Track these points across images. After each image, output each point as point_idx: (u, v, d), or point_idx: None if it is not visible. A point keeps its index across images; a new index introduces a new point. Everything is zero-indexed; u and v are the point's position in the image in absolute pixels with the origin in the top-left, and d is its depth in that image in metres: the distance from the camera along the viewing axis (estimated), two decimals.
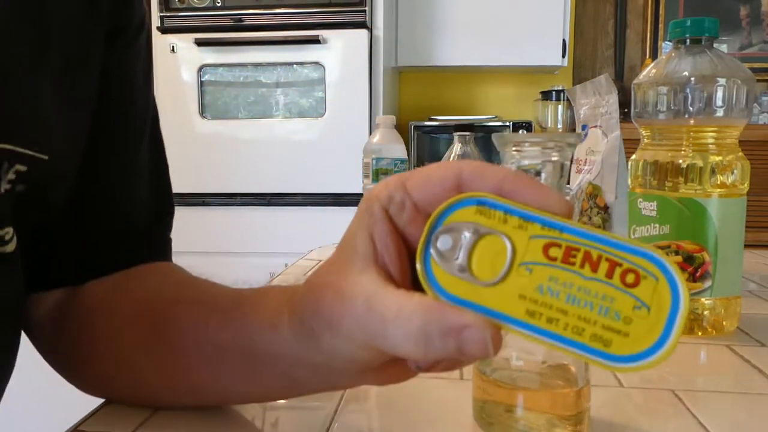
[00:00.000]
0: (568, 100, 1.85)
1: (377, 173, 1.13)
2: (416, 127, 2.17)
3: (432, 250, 0.25)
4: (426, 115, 2.30)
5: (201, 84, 1.90)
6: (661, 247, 0.52)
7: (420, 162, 2.17)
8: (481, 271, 0.25)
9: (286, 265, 0.82)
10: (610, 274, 0.23)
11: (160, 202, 0.46)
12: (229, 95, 1.92)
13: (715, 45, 0.53)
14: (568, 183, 0.76)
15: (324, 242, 0.86)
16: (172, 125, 1.75)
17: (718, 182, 0.50)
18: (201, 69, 1.90)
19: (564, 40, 2.19)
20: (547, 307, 0.24)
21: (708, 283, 0.51)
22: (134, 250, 0.43)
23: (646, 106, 0.54)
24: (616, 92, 0.70)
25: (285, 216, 1.88)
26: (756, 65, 2.40)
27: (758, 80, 2.34)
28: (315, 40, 1.83)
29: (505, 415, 0.33)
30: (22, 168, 0.34)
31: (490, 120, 2.20)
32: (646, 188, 0.54)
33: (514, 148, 0.31)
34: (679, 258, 0.51)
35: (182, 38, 1.88)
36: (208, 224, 1.87)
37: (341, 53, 1.85)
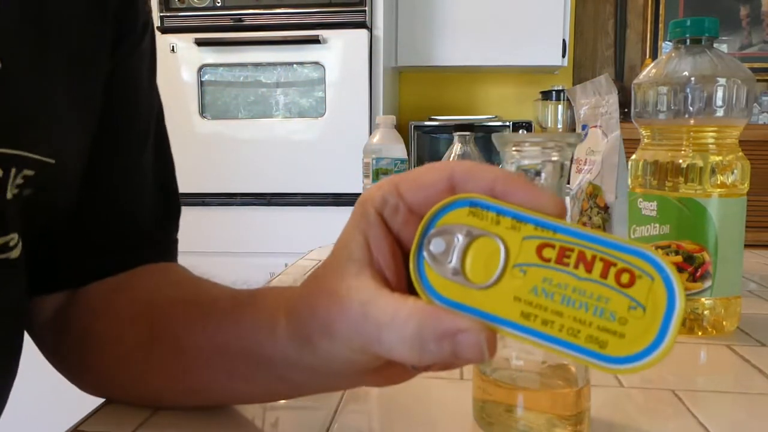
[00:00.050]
0: (568, 100, 1.85)
1: (377, 173, 1.13)
2: (416, 127, 2.17)
3: (425, 254, 0.25)
4: (426, 115, 2.30)
5: (201, 84, 1.90)
6: (661, 247, 0.52)
7: (420, 162, 2.17)
8: (475, 274, 0.25)
9: (286, 265, 0.82)
10: (604, 275, 0.23)
11: (165, 202, 0.46)
12: (229, 95, 1.92)
13: (715, 45, 0.53)
14: (568, 183, 0.76)
15: (324, 242, 0.86)
16: (172, 125, 1.72)
17: (718, 182, 0.50)
18: (201, 69, 1.90)
19: (564, 40, 2.19)
20: (542, 309, 0.24)
21: (708, 283, 0.51)
22: (136, 252, 0.42)
23: (646, 106, 0.54)
24: (616, 92, 0.70)
25: (285, 216, 1.88)
26: (756, 65, 2.40)
27: (758, 80, 2.34)
28: (315, 40, 1.83)
29: (505, 415, 0.33)
30: (29, 173, 0.34)
31: (490, 120, 2.20)
32: (646, 188, 0.54)
33: (514, 148, 0.31)
34: (679, 258, 0.51)
35: (182, 38, 1.88)
36: (208, 224, 1.87)
37: (341, 53, 1.85)
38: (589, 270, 0.23)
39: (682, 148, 0.52)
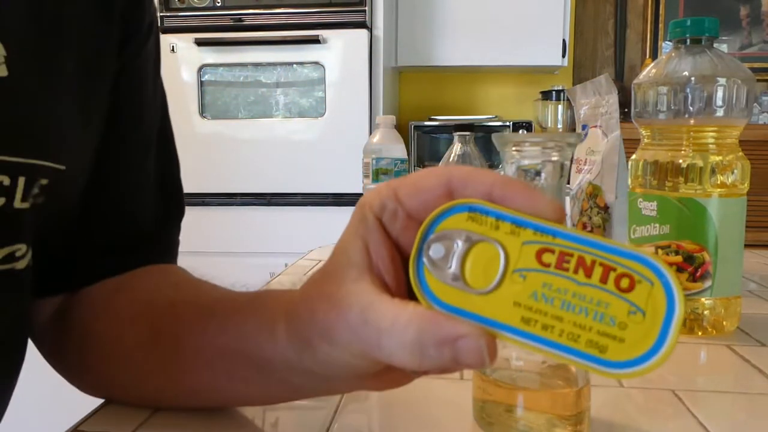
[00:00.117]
0: (568, 100, 1.85)
1: (377, 173, 1.14)
2: (416, 127, 2.17)
3: (424, 259, 0.25)
4: (426, 115, 2.30)
5: (201, 84, 1.90)
6: (661, 247, 0.52)
7: (420, 162, 2.17)
8: (475, 279, 0.25)
9: (286, 265, 0.81)
10: (604, 279, 0.23)
11: (168, 204, 0.46)
12: (229, 95, 1.92)
13: (715, 45, 0.53)
14: (568, 183, 0.76)
15: (324, 242, 0.86)
16: (172, 125, 1.73)
17: (718, 182, 0.50)
18: (201, 69, 1.90)
19: (564, 40, 2.19)
20: (542, 314, 0.24)
21: (708, 283, 0.51)
22: (138, 253, 0.42)
23: (646, 106, 0.54)
24: (616, 92, 0.69)
25: (285, 216, 1.88)
26: (756, 65, 2.41)
27: (758, 80, 2.34)
28: (315, 40, 1.83)
29: (505, 415, 0.33)
30: (44, 181, 0.33)
31: (490, 120, 2.20)
32: (646, 188, 0.54)
33: (514, 148, 0.31)
34: (679, 258, 0.51)
35: (182, 38, 1.88)
36: (208, 224, 1.87)
37: (341, 53, 1.85)
38: (588, 275, 0.23)
39: (682, 148, 0.52)
